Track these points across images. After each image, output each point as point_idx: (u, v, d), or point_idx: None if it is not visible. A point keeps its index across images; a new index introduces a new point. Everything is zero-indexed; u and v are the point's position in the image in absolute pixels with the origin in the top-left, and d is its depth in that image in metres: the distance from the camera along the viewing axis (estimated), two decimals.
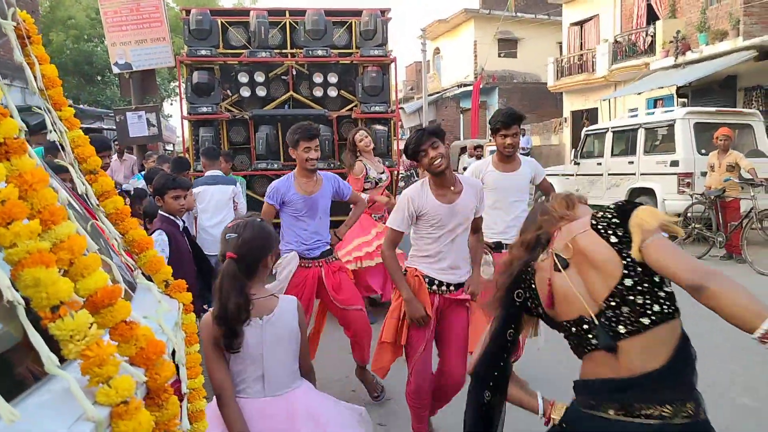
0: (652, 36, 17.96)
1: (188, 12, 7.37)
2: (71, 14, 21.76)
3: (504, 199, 4.04)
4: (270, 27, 7.48)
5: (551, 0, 24.08)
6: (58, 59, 20.51)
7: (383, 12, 7.77)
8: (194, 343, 1.70)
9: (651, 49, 17.94)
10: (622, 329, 1.52)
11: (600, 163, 11.00)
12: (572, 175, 11.80)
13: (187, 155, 7.46)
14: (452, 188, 3.14)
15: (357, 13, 7.70)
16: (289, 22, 7.59)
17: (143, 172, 6.97)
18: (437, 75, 33.07)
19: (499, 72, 28.33)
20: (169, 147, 19.68)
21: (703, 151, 9.10)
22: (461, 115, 30.50)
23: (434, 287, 3.15)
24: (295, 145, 3.85)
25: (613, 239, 1.57)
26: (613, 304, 1.54)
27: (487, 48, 27.58)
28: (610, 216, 1.61)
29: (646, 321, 1.50)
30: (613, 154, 10.75)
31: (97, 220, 1.63)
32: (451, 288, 3.18)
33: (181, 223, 3.43)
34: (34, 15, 16.77)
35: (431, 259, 3.16)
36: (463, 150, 19.04)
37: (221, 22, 7.44)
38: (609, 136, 10.80)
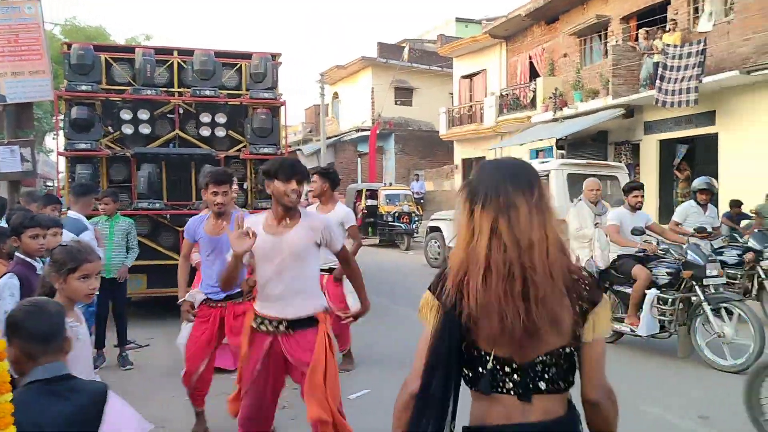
0: (533, 91, 19.25)
1: (70, 46, 7.15)
2: None
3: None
4: (157, 65, 7.39)
5: (443, 53, 25.26)
6: None
7: (274, 56, 7.89)
8: (4, 393, 1.62)
9: (533, 104, 19.20)
10: (542, 386, 1.57)
11: None
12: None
13: (62, 193, 7.12)
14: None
15: (247, 56, 7.77)
16: (177, 62, 7.53)
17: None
18: (335, 119, 33.54)
19: (396, 119, 29.19)
20: (50, 183, 18.56)
21: (575, 199, 9.78)
22: (359, 159, 31.00)
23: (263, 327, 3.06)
24: (205, 188, 3.93)
25: (577, 308, 1.58)
26: (545, 360, 1.56)
27: (384, 95, 28.41)
28: (584, 285, 1.61)
29: (562, 385, 1.60)
30: None
31: None
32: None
33: (39, 265, 3.25)
34: None
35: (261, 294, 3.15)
36: (359, 193, 19.34)
37: (105, 57, 7.27)
38: None
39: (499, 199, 1.52)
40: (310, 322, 3.07)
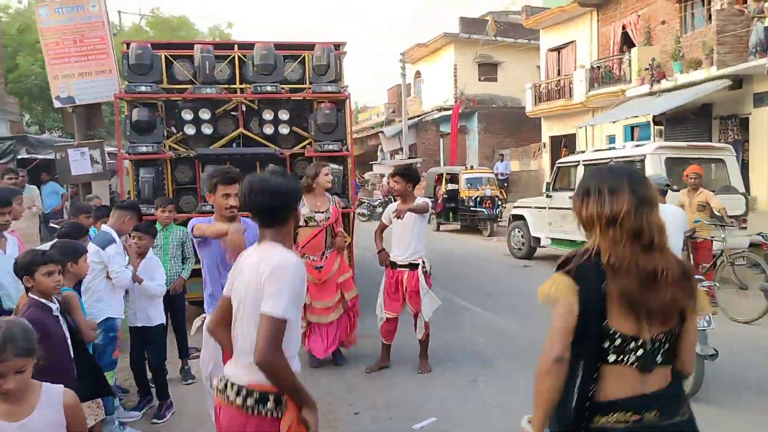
0: (627, 63, 17.83)
1: (129, 45, 6.97)
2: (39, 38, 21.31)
3: None
4: (218, 61, 7.10)
5: (529, 25, 23.98)
6: (24, 84, 20.00)
7: (337, 46, 7.42)
8: None
9: (627, 77, 17.80)
10: (659, 359, 1.90)
11: (572, 197, 10.66)
12: (544, 208, 11.46)
13: (128, 197, 7.00)
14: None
15: (309, 47, 7.34)
16: (238, 56, 7.21)
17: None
18: (418, 98, 32.88)
19: (480, 96, 28.19)
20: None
21: (675, 187, 8.79)
22: (441, 139, 30.27)
23: None
24: (213, 190, 3.48)
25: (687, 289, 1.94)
26: (662, 337, 1.90)
27: (467, 72, 27.46)
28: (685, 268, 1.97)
29: (672, 357, 1.94)
30: None
31: None
32: None
33: (54, 306, 2.97)
34: None
35: None
36: (440, 177, 18.71)
37: (165, 56, 7.05)
38: (580, 170, 10.47)
39: (641, 194, 1.89)
40: None
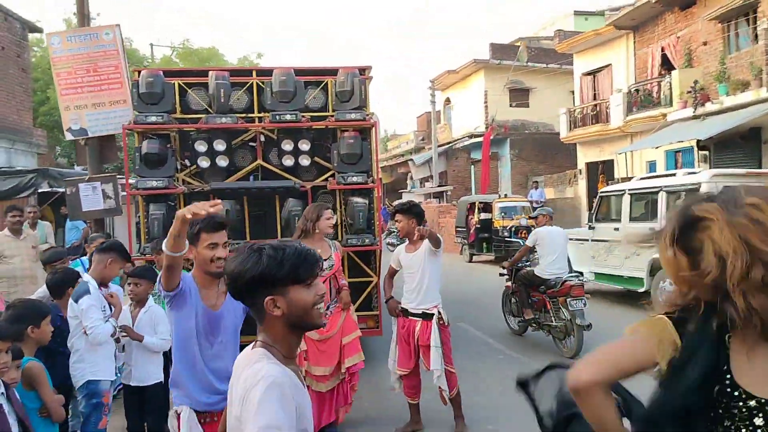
0: (668, 86, 17.03)
1: (140, 73, 6.54)
2: None
3: None
4: (234, 89, 6.63)
5: (561, 50, 23.36)
6: (53, 117, 20.04)
7: (362, 71, 6.90)
8: None
9: (668, 100, 16.98)
10: None
11: (617, 229, 9.90)
12: (587, 240, 10.69)
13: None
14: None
15: (332, 72, 6.82)
16: (256, 83, 6.73)
17: (84, 256, 6.00)
18: (448, 125, 32.38)
19: (511, 122, 27.57)
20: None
21: None
22: (472, 166, 29.62)
23: None
24: (195, 240, 2.81)
25: None
26: None
27: (498, 98, 26.87)
28: None
29: None
30: (631, 219, 9.66)
31: None
32: None
33: None
34: (24, 72, 16.36)
35: None
36: (472, 206, 18.04)
37: (178, 84, 6.61)
38: (626, 199, 9.72)
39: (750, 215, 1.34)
40: None
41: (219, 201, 2.64)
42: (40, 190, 11.36)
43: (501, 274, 8.31)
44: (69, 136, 7.81)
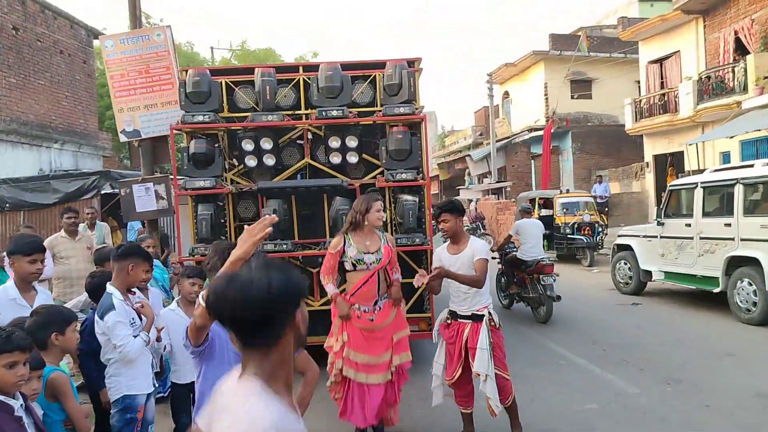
0: (743, 72, 15.99)
1: (187, 72, 6.48)
2: None
3: None
4: (281, 85, 6.49)
5: (625, 38, 22.37)
6: (111, 120, 20.62)
7: (411, 63, 6.63)
8: None
9: (743, 87, 15.95)
10: None
11: (689, 225, 9.26)
12: (655, 236, 10.08)
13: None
14: None
15: (380, 65, 6.58)
16: (303, 79, 6.57)
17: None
18: (506, 120, 31.67)
19: (573, 114, 26.68)
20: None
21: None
22: (533, 161, 28.86)
23: None
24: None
25: None
26: None
27: (559, 90, 26.04)
28: None
29: None
30: (704, 214, 9.01)
31: None
32: None
33: (17, 404, 2.26)
34: (90, 78, 16.88)
35: None
36: (532, 202, 17.47)
37: (225, 82, 6.52)
38: (699, 193, 9.08)
39: None
40: None
41: (270, 217, 2.35)
42: (102, 192, 11.63)
43: (492, 258, 9.23)
44: (123, 138, 7.88)
